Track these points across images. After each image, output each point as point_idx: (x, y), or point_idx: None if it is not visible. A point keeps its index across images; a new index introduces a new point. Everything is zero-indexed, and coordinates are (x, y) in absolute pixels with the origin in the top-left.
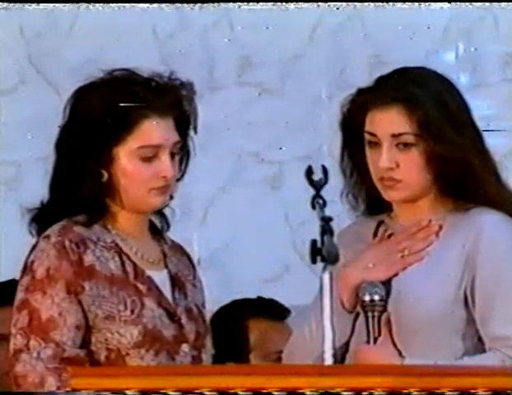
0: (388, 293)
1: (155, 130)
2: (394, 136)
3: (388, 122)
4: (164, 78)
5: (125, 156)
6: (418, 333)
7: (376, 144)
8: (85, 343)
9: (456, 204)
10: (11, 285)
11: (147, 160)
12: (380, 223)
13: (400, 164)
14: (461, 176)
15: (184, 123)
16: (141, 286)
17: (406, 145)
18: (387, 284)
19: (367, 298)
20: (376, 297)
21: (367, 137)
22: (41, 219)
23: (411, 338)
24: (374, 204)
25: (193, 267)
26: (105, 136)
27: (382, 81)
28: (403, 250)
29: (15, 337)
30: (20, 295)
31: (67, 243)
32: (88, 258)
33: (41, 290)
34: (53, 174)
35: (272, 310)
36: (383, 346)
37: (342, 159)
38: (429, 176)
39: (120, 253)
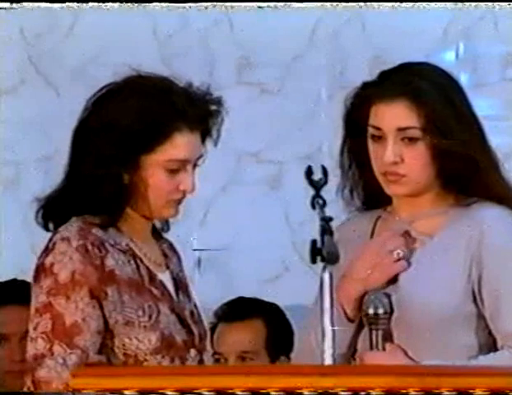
0: (396, 292)
1: (186, 145)
2: (400, 130)
3: (393, 115)
4: (198, 91)
5: (151, 166)
6: (430, 332)
7: (380, 138)
8: (103, 348)
9: (458, 198)
10: (12, 284)
11: (172, 172)
12: (378, 218)
13: (405, 159)
14: (465, 171)
15: (207, 136)
16: (155, 291)
17: (411, 139)
18: (394, 282)
19: (371, 311)
20: (380, 310)
21: (371, 130)
22: (50, 211)
23: (423, 338)
24: (370, 199)
25: (181, 264)
26: (136, 143)
27: (386, 75)
28: (394, 250)
29: (36, 341)
30: (41, 297)
31: (89, 246)
32: (109, 262)
33: (65, 294)
34: (70, 169)
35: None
36: (391, 352)
37: (342, 152)
38: (433, 171)
39: (134, 256)
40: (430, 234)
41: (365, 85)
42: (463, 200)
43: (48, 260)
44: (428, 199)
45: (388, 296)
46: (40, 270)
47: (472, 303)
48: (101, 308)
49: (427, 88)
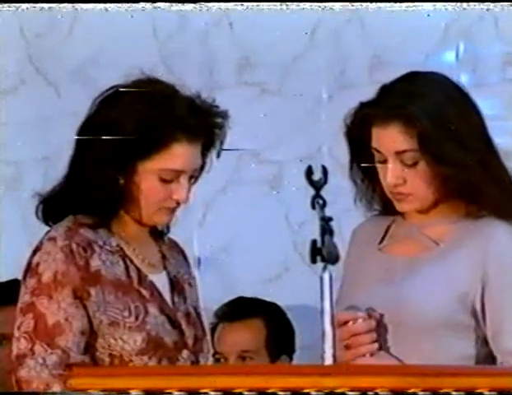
0: (392, 298)
1: (183, 156)
2: (398, 153)
3: (389, 139)
4: (203, 102)
5: (145, 173)
6: (418, 337)
7: (383, 160)
8: (88, 349)
9: (468, 209)
10: (13, 285)
11: (166, 181)
12: (393, 222)
13: (407, 180)
14: (466, 193)
15: (210, 147)
16: (144, 292)
17: (411, 162)
18: (392, 287)
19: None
20: None
21: (375, 153)
22: (50, 206)
23: (412, 342)
24: (388, 205)
25: (188, 263)
26: (134, 149)
27: (383, 93)
28: (345, 340)
29: (18, 341)
30: (25, 297)
31: (74, 246)
32: (94, 263)
33: (47, 294)
34: (72, 166)
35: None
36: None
37: (351, 168)
38: (438, 188)
39: (124, 257)
40: (437, 241)
41: (363, 106)
42: (474, 212)
43: (35, 259)
44: (439, 210)
45: (388, 287)
46: (27, 269)
47: (470, 315)
48: (85, 308)
49: (420, 113)
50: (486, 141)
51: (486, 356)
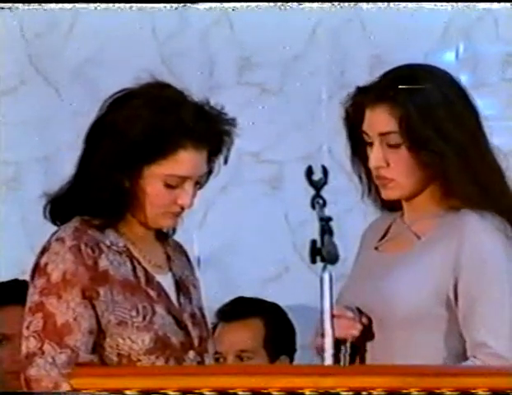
0: (377, 294)
1: (189, 162)
2: (382, 134)
3: (376, 120)
4: (211, 109)
5: (151, 177)
6: (399, 332)
7: (371, 143)
8: (96, 348)
9: (451, 202)
10: (13, 285)
11: (171, 186)
12: (393, 222)
13: (390, 164)
14: (443, 183)
15: (217, 154)
16: (151, 292)
17: (394, 144)
18: (379, 284)
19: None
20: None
21: (364, 136)
22: (57, 207)
23: (392, 338)
24: (387, 201)
25: (191, 265)
26: (140, 153)
27: (380, 79)
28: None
29: (27, 340)
30: (34, 297)
31: (82, 246)
32: (102, 263)
33: (57, 294)
34: (79, 166)
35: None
36: None
37: (353, 162)
38: (420, 175)
39: (131, 257)
40: (420, 236)
41: (358, 91)
42: (456, 204)
43: (43, 260)
44: (423, 202)
45: (366, 286)
46: (35, 269)
47: (444, 307)
48: (93, 308)
49: (406, 97)
50: (477, 137)
51: (461, 350)
